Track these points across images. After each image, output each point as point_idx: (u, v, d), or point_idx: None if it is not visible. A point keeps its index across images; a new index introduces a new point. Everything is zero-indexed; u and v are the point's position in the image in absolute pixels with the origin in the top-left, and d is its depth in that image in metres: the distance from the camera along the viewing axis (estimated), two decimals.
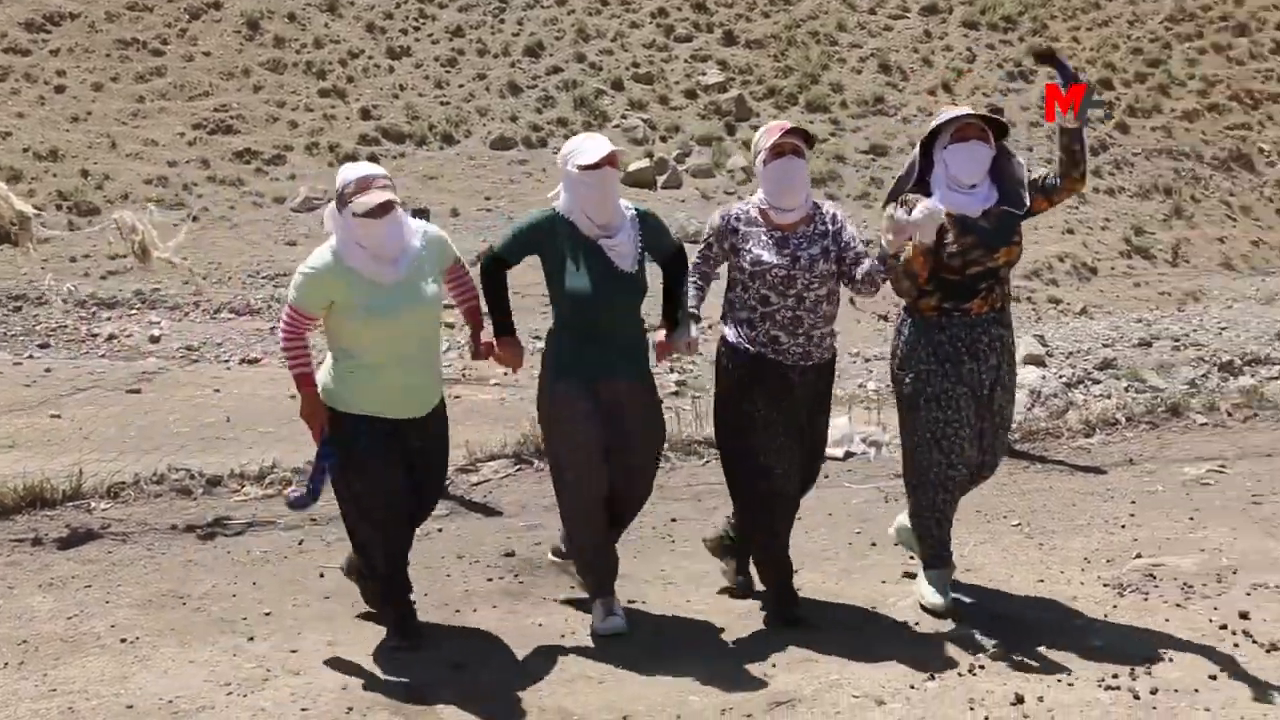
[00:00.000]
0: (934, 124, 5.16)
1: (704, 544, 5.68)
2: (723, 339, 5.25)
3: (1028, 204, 5.17)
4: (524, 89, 20.00)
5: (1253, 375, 13.36)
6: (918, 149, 5.25)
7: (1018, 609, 5.38)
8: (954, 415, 5.19)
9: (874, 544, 6.06)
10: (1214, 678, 4.66)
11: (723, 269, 5.30)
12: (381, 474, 4.95)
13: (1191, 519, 6.48)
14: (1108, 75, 20.77)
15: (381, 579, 5.15)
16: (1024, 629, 5.14)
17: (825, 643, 5.07)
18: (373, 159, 18.04)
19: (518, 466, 7.33)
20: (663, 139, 19.13)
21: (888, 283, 5.12)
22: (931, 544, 5.40)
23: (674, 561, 5.92)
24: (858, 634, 5.15)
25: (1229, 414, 8.33)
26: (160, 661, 4.99)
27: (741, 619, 5.34)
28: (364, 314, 4.80)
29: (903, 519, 5.61)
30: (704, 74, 20.60)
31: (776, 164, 5.05)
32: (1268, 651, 4.86)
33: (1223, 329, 14.97)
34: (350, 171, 4.86)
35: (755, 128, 19.42)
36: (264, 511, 6.69)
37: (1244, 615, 5.19)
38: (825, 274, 5.07)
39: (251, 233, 16.27)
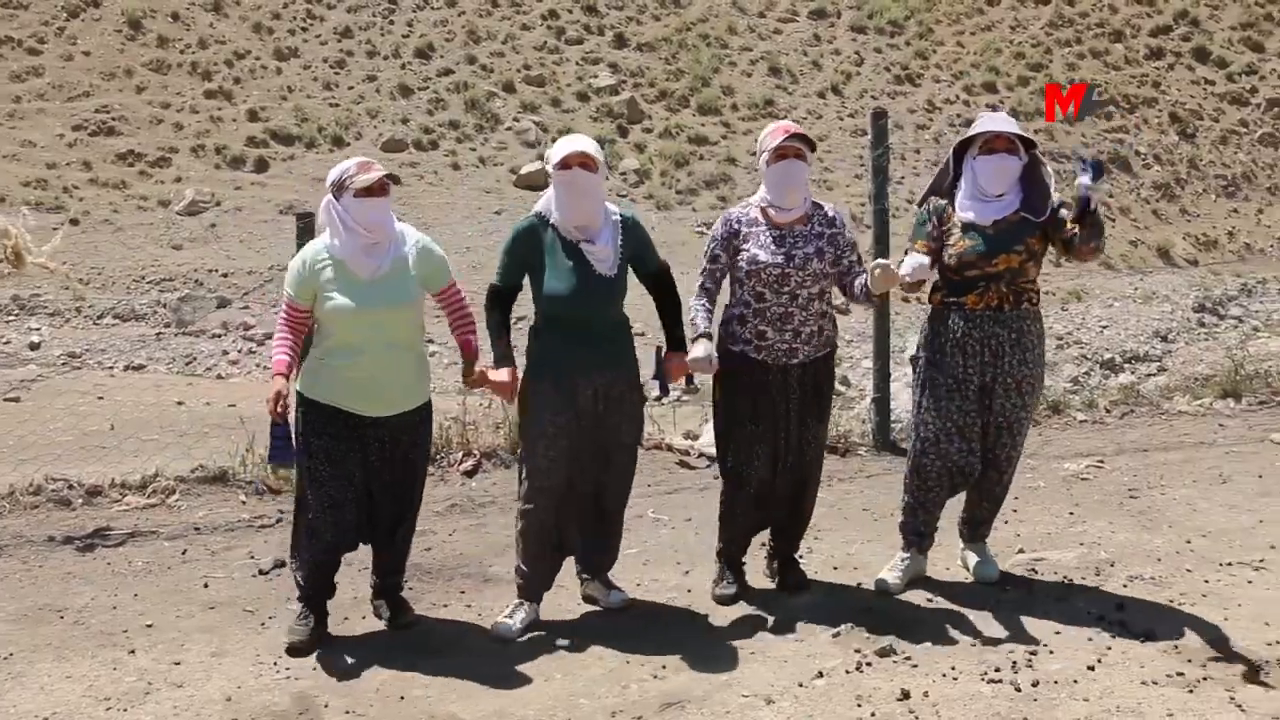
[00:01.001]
0: (968, 134, 5.34)
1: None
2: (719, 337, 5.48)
3: (1047, 213, 5.27)
4: (415, 91, 19.83)
5: (1132, 372, 13.73)
6: (951, 153, 5.45)
7: (904, 605, 5.46)
8: (933, 404, 5.40)
9: (763, 544, 6.10)
10: (1092, 668, 4.77)
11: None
12: (332, 467, 5.02)
13: (1071, 514, 6.63)
14: (992, 79, 21.17)
15: (306, 571, 5.16)
16: (910, 625, 5.22)
17: (716, 642, 5.11)
18: (262, 162, 17.79)
19: None
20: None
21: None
22: (903, 525, 5.67)
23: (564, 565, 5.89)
24: (748, 633, 5.18)
25: (1107, 410, 8.53)
26: (36, 677, 4.86)
27: (631, 620, 5.35)
28: (341, 305, 4.90)
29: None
30: (595, 76, 20.61)
31: (779, 165, 5.27)
32: (1143, 641, 5.00)
33: (1104, 327, 15.36)
34: (347, 161, 5.05)
35: (648, 130, 19.52)
36: (146, 522, 6.55)
37: (1120, 606, 5.33)
38: (818, 273, 5.28)
39: (135, 236, 15.93)
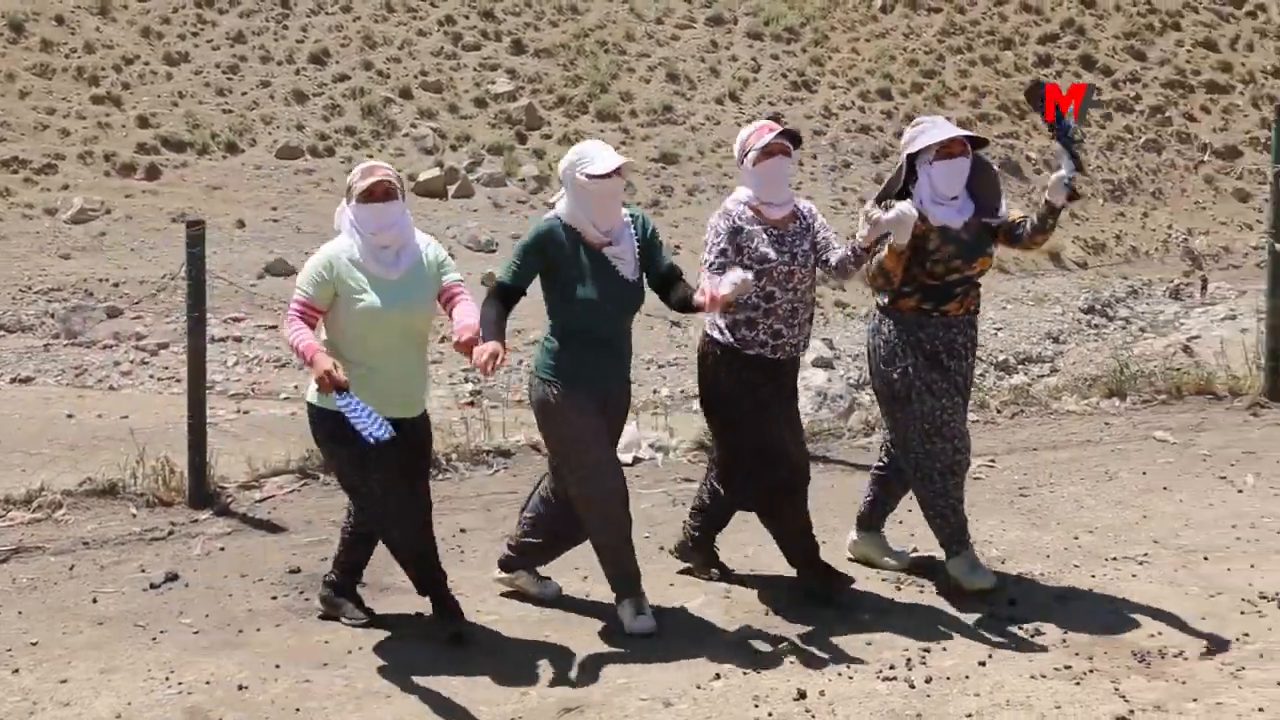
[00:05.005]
0: (924, 142, 5.32)
1: (670, 554, 5.99)
2: (711, 341, 5.42)
3: (1004, 213, 5.43)
4: (310, 97, 19.61)
5: (1025, 373, 14.01)
6: (904, 159, 5.45)
7: (800, 606, 5.50)
8: (948, 403, 5.47)
9: (662, 548, 6.13)
10: (983, 664, 4.86)
11: None
12: (391, 474, 5.02)
13: None
14: (886, 85, 21.47)
15: (414, 566, 5.19)
16: (806, 625, 5.27)
17: (613, 646, 5.12)
18: (153, 169, 17.47)
19: (303, 482, 7.17)
20: (453, 148, 18.99)
21: (856, 275, 5.49)
22: (951, 529, 5.60)
23: (463, 573, 5.85)
24: (645, 637, 5.20)
25: (998, 411, 8.68)
26: None
27: (530, 626, 5.34)
28: (369, 305, 4.94)
29: (854, 535, 5.94)
30: (493, 83, 20.54)
31: (768, 163, 5.30)
32: (1032, 636, 5.11)
33: (998, 330, 15.66)
34: (358, 166, 5.14)
35: (546, 136, 19.49)
36: (31, 537, 6.40)
37: (1012, 602, 5.44)
38: (813, 266, 5.45)
39: (21, 245, 15.57)
